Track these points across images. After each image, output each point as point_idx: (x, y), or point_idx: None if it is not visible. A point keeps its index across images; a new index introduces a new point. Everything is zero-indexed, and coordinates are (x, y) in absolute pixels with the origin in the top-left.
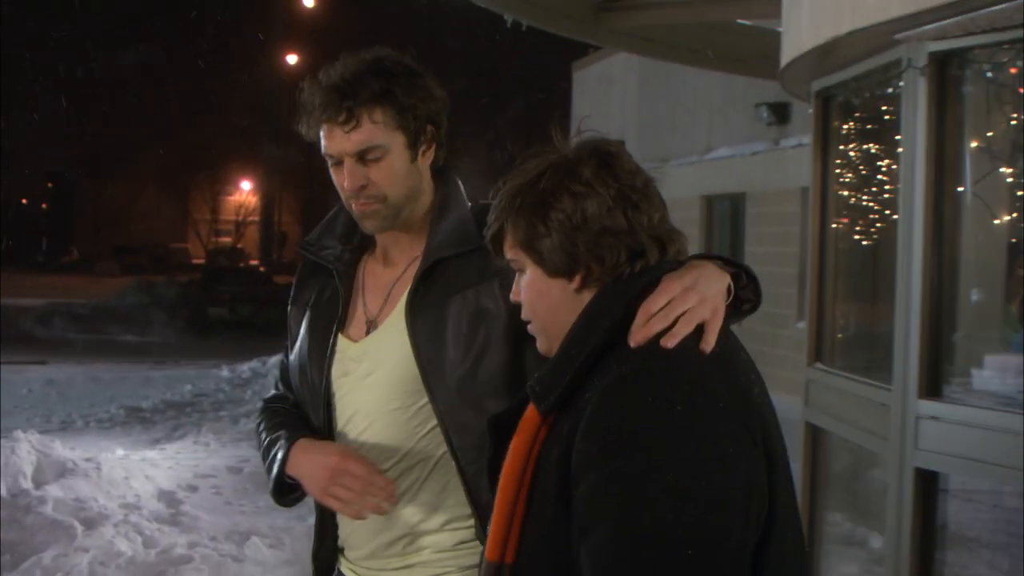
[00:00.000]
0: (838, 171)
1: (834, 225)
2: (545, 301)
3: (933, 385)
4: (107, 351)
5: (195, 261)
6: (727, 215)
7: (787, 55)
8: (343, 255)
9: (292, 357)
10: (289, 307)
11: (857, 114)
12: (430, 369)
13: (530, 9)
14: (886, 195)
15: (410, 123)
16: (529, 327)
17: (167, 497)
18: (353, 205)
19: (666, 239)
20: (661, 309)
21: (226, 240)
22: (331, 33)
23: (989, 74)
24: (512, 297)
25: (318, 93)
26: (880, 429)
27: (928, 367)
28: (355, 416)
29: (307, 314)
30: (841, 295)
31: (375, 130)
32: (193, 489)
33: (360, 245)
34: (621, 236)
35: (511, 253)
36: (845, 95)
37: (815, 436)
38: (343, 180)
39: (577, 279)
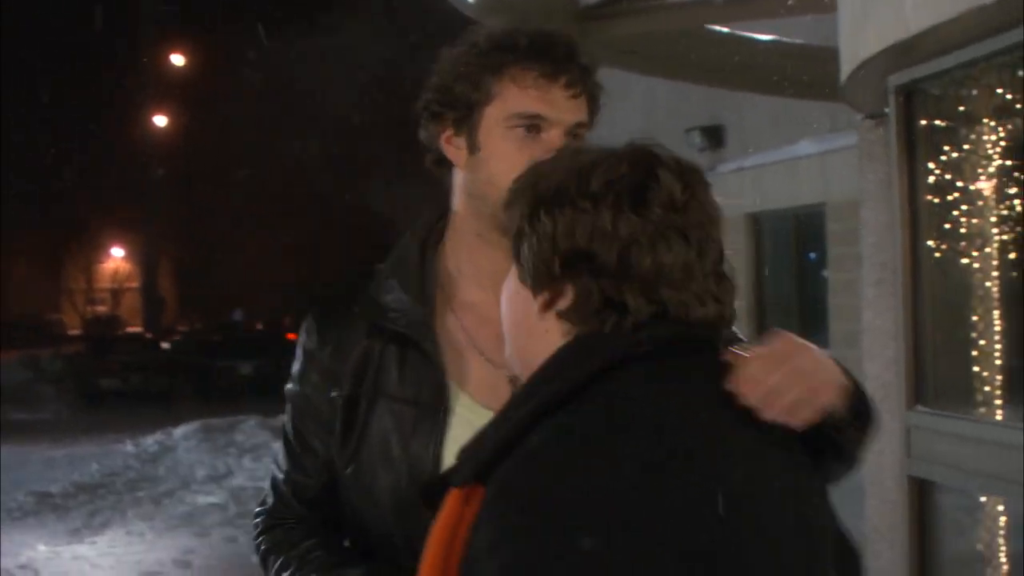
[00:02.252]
0: (931, 179)
1: (929, 243)
2: (512, 308)
3: None
4: None
5: (72, 332)
6: None
7: (866, 48)
8: (419, 315)
9: (348, 462)
10: (311, 389)
11: (962, 108)
12: None
13: (514, 19)
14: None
15: (592, 114)
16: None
17: None
18: None
19: (669, 298)
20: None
21: (103, 309)
22: (201, 93)
23: None
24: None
25: (540, 40)
26: None
27: None
28: None
29: (375, 400)
30: (937, 326)
31: (586, 108)
32: None
33: (432, 297)
34: (603, 273)
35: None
36: (941, 88)
37: (922, 491)
38: (539, 152)
39: (540, 300)
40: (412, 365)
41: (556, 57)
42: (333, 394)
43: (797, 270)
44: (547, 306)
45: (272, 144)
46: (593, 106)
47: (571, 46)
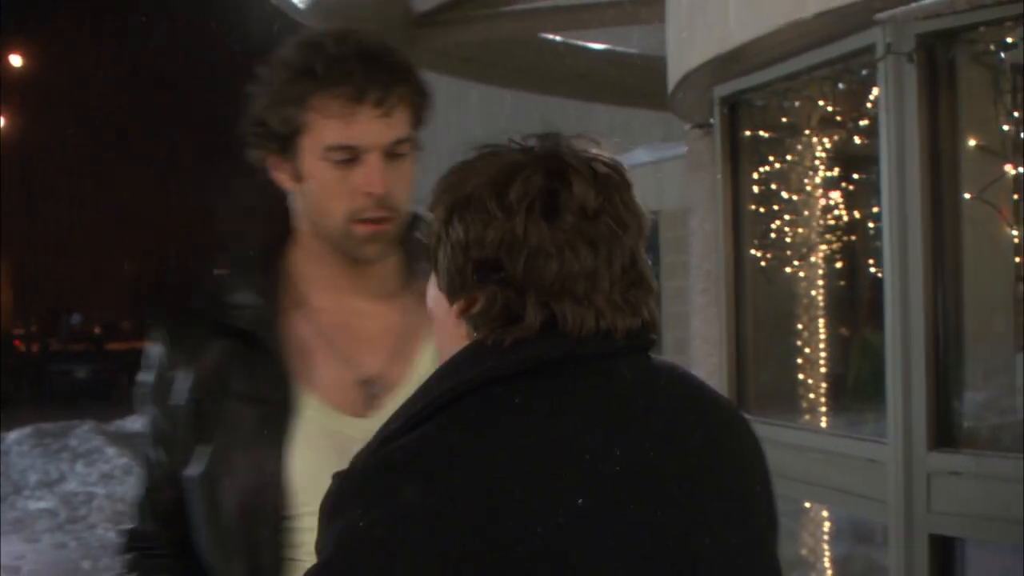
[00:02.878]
0: (755, 188)
1: (754, 251)
2: (435, 310)
3: (944, 434)
4: None
5: None
6: None
7: (692, 59)
8: (266, 314)
9: (193, 470)
10: (157, 399)
11: (786, 119)
12: None
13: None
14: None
15: (422, 118)
16: None
17: None
18: (361, 224)
19: (567, 311)
20: None
21: None
22: (38, 93)
23: (1003, 54)
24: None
25: (337, 63)
26: (872, 491)
27: (937, 412)
28: None
29: (220, 402)
30: (760, 333)
31: (406, 119)
32: None
33: (281, 297)
34: (509, 283)
35: None
36: (765, 99)
37: None
38: (360, 181)
39: (456, 308)
40: (258, 364)
41: (358, 76)
42: (175, 402)
43: None
44: (461, 313)
45: (116, 144)
46: (417, 113)
47: (375, 56)
